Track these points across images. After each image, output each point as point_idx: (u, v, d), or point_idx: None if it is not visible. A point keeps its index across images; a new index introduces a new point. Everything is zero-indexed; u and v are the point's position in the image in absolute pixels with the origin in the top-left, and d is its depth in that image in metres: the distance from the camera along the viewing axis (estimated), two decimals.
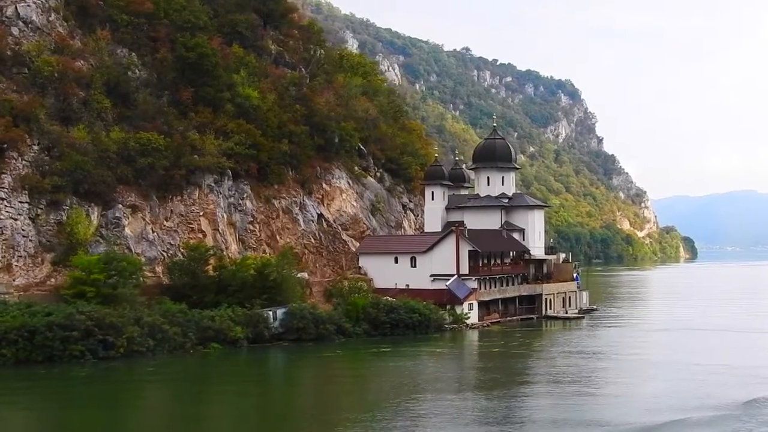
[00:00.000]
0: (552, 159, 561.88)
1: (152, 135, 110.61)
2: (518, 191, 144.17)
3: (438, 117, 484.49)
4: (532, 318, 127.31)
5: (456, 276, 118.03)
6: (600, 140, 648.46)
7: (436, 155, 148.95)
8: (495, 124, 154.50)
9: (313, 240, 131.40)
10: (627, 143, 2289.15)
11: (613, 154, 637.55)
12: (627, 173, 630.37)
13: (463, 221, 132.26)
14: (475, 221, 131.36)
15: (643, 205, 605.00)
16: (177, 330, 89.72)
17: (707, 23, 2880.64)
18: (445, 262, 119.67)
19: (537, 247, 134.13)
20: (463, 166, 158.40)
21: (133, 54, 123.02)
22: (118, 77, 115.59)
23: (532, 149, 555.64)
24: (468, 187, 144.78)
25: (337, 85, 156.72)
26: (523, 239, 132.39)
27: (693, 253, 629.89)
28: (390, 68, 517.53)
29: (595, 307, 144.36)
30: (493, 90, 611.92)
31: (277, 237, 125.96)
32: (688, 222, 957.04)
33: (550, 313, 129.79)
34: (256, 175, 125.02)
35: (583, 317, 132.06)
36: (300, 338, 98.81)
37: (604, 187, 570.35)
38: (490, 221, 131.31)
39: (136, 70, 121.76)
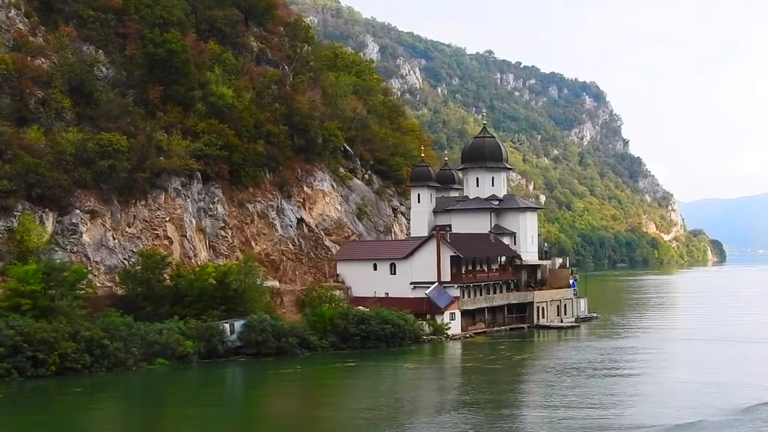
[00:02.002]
0: (576, 162, 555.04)
1: (113, 135, 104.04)
2: (510, 193, 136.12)
3: (460, 120, 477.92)
4: (523, 327, 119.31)
5: (437, 283, 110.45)
6: (626, 143, 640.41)
7: (423, 155, 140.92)
8: (485, 122, 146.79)
9: (291, 246, 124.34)
10: (655, 146, 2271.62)
11: (639, 157, 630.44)
12: (653, 176, 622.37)
13: (450, 225, 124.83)
14: (464, 224, 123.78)
15: (669, 207, 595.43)
16: (119, 345, 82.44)
17: (736, 25, 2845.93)
18: (426, 268, 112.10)
19: (529, 252, 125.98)
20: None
21: (100, 51, 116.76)
22: (82, 75, 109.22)
23: (556, 152, 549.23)
24: (458, 189, 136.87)
25: (326, 84, 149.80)
26: (515, 243, 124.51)
27: (721, 257, 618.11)
28: (411, 72, 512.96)
29: (595, 315, 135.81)
30: (517, 93, 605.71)
31: (252, 243, 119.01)
32: (719, 225, 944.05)
33: (542, 322, 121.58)
34: (229, 177, 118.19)
35: (579, 326, 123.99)
36: (259, 353, 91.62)
37: (629, 190, 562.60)
38: (479, 224, 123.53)
39: (103, 68, 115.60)
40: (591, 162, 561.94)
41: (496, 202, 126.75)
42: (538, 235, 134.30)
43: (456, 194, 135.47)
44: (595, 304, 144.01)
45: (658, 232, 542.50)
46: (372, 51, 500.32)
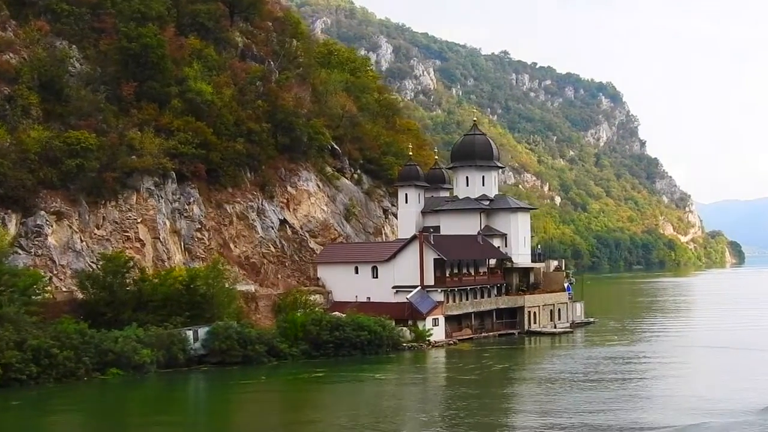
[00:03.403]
0: (592, 163, 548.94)
1: (82, 133, 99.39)
2: (500, 193, 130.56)
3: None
4: (513, 333, 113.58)
5: (419, 288, 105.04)
6: (643, 143, 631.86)
7: (410, 154, 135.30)
8: (475, 119, 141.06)
9: (273, 248, 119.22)
10: (674, 147, 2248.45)
11: (656, 158, 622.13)
12: (671, 177, 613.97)
13: (439, 226, 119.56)
14: (452, 226, 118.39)
15: (687, 209, 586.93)
16: (69, 354, 77.57)
17: (756, 24, 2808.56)
18: (408, 272, 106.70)
19: (521, 255, 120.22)
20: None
21: (74, 47, 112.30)
22: (52, 71, 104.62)
23: (571, 153, 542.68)
24: (448, 189, 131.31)
25: (316, 81, 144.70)
26: (506, 245, 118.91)
27: (740, 259, 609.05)
28: (425, 73, 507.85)
29: (592, 319, 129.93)
30: (532, 94, 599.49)
31: (231, 245, 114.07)
32: (739, 226, 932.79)
33: (534, 327, 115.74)
34: (206, 177, 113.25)
35: (573, 331, 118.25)
36: (224, 361, 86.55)
37: (646, 192, 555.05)
38: (469, 225, 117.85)
39: (76, 64, 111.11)
40: (607, 163, 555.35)
41: (487, 203, 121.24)
42: (531, 236, 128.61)
43: (446, 194, 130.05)
44: (595, 308, 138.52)
45: (675, 233, 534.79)
46: (386, 52, 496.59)
